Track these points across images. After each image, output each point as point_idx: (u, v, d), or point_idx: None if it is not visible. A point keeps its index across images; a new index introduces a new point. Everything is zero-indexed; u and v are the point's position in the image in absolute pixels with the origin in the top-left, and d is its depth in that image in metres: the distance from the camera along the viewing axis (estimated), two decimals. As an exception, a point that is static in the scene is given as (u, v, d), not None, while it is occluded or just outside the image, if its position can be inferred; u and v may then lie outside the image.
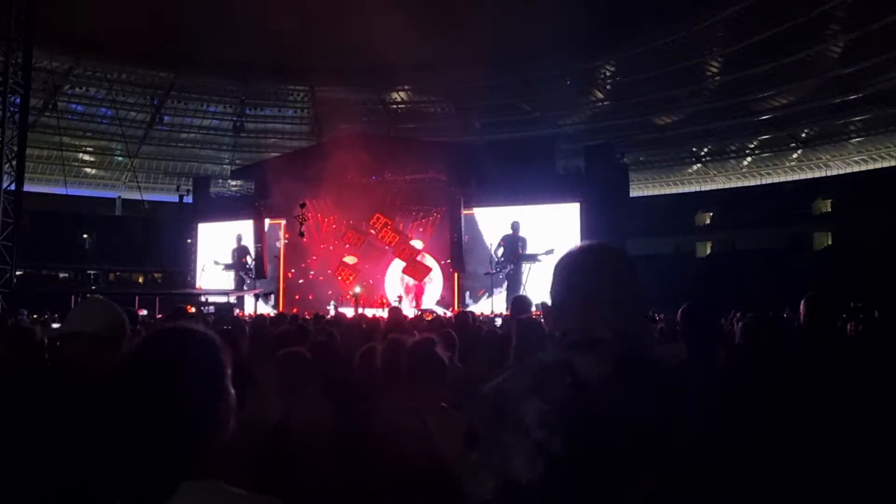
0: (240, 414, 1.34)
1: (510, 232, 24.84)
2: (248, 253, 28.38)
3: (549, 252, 23.38)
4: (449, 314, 18.55)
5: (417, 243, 25.85)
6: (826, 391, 2.44)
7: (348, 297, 23.72)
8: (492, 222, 25.38)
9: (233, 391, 1.32)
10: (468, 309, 19.07)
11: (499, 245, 24.91)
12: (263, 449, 2.67)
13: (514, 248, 24.66)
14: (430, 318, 8.99)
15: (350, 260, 26.25)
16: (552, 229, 23.88)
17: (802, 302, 3.27)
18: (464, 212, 24.53)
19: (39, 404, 2.08)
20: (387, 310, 12.82)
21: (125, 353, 1.31)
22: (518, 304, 5.21)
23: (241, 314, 21.61)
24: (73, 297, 23.61)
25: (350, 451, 2.58)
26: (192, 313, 12.39)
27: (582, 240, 19.71)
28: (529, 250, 24.42)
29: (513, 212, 25.03)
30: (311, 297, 25.37)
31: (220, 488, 1.22)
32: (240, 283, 28.85)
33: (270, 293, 27.76)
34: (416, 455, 2.41)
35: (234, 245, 29.21)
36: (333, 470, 2.52)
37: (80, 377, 2.21)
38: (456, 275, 24.91)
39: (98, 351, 2.33)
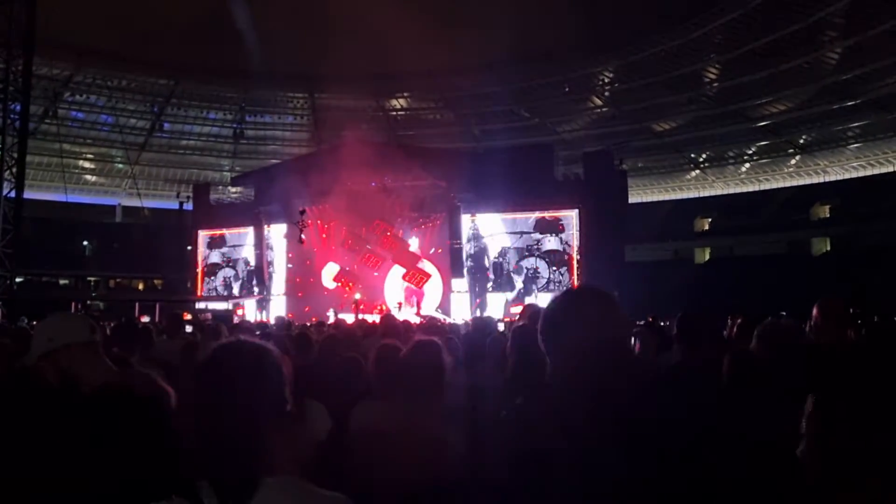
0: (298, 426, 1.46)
1: (508, 244, 25.20)
2: (249, 263, 28.63)
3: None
4: (449, 320, 18.54)
5: (415, 244, 26.00)
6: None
7: (350, 303, 23.71)
8: (491, 228, 25.53)
9: (290, 399, 1.44)
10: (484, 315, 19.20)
11: (498, 256, 25.24)
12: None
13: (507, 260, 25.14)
14: (423, 323, 8.94)
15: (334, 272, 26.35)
16: (547, 237, 24.28)
17: (815, 307, 3.29)
18: (471, 218, 24.86)
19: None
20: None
21: (201, 362, 1.42)
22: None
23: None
24: (73, 303, 23.63)
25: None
26: (189, 320, 12.36)
27: (580, 245, 19.56)
28: (531, 255, 24.74)
29: (512, 218, 25.20)
30: (307, 310, 25.33)
31: (297, 483, 1.33)
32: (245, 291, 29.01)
33: (269, 299, 27.77)
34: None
35: (240, 255, 29.44)
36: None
37: (70, 385, 2.21)
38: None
39: (92, 357, 2.35)
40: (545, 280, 24.72)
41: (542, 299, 23.15)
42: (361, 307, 22.05)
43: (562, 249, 24.60)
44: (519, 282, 24.97)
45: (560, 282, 24.46)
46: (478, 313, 22.47)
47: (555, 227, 24.93)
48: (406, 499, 2.37)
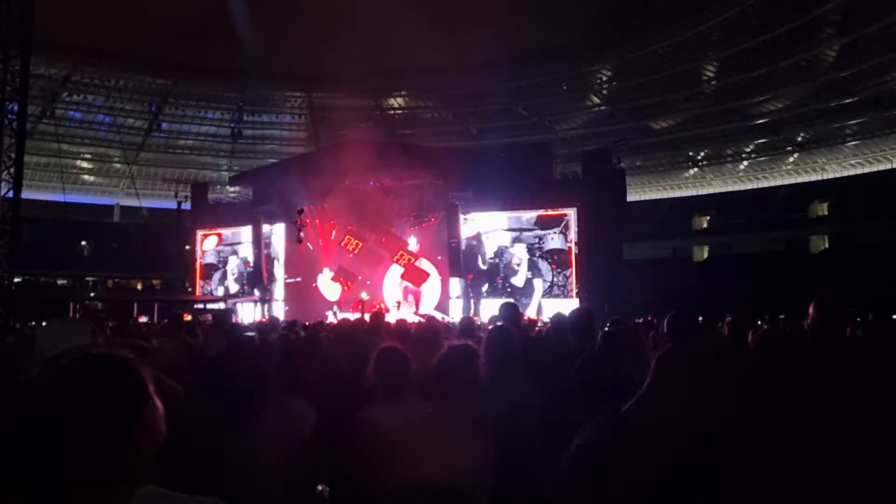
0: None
1: (506, 243, 25.05)
2: (248, 263, 28.61)
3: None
4: (447, 319, 18.56)
5: (413, 243, 25.97)
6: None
7: (351, 302, 23.72)
8: (487, 226, 25.50)
9: (157, 407, 1.36)
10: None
11: (494, 257, 25.17)
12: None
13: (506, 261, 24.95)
14: (423, 323, 8.91)
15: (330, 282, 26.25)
16: (550, 235, 24.11)
17: (812, 305, 3.30)
18: (463, 217, 24.75)
19: None
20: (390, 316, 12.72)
21: (41, 378, 1.36)
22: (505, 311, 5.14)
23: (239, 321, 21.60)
24: (71, 304, 23.62)
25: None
26: (189, 321, 12.34)
27: (578, 244, 19.38)
28: (532, 256, 24.59)
29: (510, 217, 25.16)
30: (297, 310, 25.34)
31: (164, 493, 1.30)
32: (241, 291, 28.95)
33: (269, 300, 27.75)
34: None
35: (240, 256, 29.41)
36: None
37: None
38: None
39: None
40: (548, 284, 24.02)
41: (548, 305, 22.86)
42: (360, 307, 22.06)
43: (567, 248, 23.78)
44: (521, 282, 24.57)
45: (564, 286, 23.54)
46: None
47: (558, 224, 24.21)
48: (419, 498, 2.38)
